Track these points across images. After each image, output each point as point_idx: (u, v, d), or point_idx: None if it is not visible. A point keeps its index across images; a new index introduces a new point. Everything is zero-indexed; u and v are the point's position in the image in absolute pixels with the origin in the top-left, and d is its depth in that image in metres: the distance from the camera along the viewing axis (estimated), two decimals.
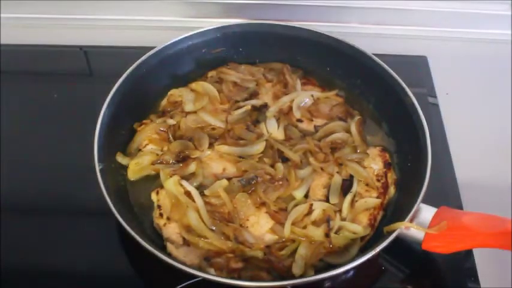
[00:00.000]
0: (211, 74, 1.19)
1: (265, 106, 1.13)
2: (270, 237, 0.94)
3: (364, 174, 1.01)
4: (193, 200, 0.95)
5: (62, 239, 1.01)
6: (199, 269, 0.87)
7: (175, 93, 1.14)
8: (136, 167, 1.02)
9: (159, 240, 0.93)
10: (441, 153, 1.13)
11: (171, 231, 0.93)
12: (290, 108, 1.12)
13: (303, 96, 1.13)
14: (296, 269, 0.89)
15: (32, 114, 1.21)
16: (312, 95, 1.14)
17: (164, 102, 1.14)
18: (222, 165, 1.02)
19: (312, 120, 1.11)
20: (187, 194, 0.96)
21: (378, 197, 0.99)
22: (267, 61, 1.23)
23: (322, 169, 1.02)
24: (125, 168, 1.03)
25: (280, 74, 1.18)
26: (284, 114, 1.11)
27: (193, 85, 1.15)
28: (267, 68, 1.21)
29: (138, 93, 1.11)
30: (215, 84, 1.15)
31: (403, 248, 0.94)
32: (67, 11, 1.41)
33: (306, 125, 1.11)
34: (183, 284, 0.89)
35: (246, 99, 1.13)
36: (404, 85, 1.06)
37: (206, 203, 0.95)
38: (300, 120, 1.11)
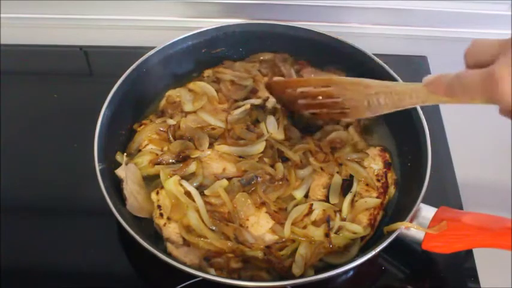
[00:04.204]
0: (208, 73, 1.18)
1: (265, 104, 1.13)
2: (270, 237, 0.94)
3: (364, 174, 1.01)
4: (193, 200, 0.95)
5: (62, 239, 1.01)
6: (199, 269, 0.87)
7: (173, 94, 1.14)
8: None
9: (159, 240, 0.94)
10: (441, 153, 1.13)
11: (171, 231, 0.93)
12: None
13: None
14: (296, 269, 0.89)
15: (32, 114, 1.22)
16: None
17: (163, 102, 1.14)
18: (222, 165, 1.02)
19: None
20: (187, 194, 0.96)
21: (377, 197, 0.99)
22: None
23: (322, 169, 1.02)
24: None
25: (274, 66, 1.18)
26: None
27: (191, 85, 1.15)
28: (259, 61, 1.20)
29: (138, 93, 1.11)
30: (213, 83, 1.15)
31: (403, 248, 0.94)
32: (67, 11, 1.41)
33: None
34: (183, 284, 0.89)
35: (246, 98, 1.14)
36: None
37: (206, 203, 0.95)
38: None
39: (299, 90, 1.01)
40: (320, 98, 0.99)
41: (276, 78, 1.10)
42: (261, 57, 1.21)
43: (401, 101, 0.87)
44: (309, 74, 1.17)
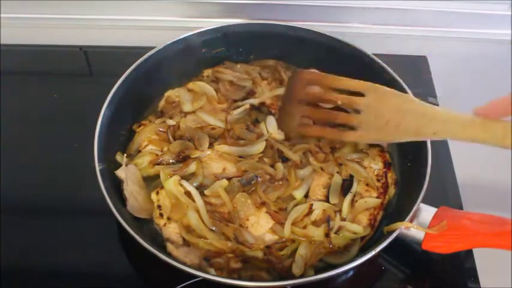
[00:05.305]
0: (207, 73, 1.19)
1: (263, 105, 1.13)
2: (270, 237, 0.94)
3: (364, 174, 1.01)
4: (193, 200, 0.95)
5: (62, 239, 1.01)
6: (199, 269, 0.87)
7: (172, 94, 1.14)
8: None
9: (159, 240, 0.93)
10: (441, 153, 1.13)
11: (171, 231, 0.93)
12: None
13: None
14: (296, 269, 0.89)
15: (32, 114, 1.22)
16: None
17: (162, 103, 1.13)
18: (222, 165, 1.02)
19: None
20: (187, 194, 0.96)
21: (378, 197, 0.99)
22: None
23: (322, 169, 1.02)
24: None
25: (275, 72, 1.19)
26: None
27: (190, 85, 1.15)
28: (261, 66, 1.21)
29: (138, 93, 1.11)
30: (211, 83, 1.15)
31: (403, 248, 0.94)
32: (67, 11, 1.41)
33: None
34: (183, 284, 0.89)
35: (244, 99, 1.14)
36: (404, 85, 1.06)
37: (206, 203, 0.95)
38: None
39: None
40: (339, 103, 0.92)
41: (310, 70, 1.02)
42: (264, 63, 1.22)
43: (425, 127, 0.84)
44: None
